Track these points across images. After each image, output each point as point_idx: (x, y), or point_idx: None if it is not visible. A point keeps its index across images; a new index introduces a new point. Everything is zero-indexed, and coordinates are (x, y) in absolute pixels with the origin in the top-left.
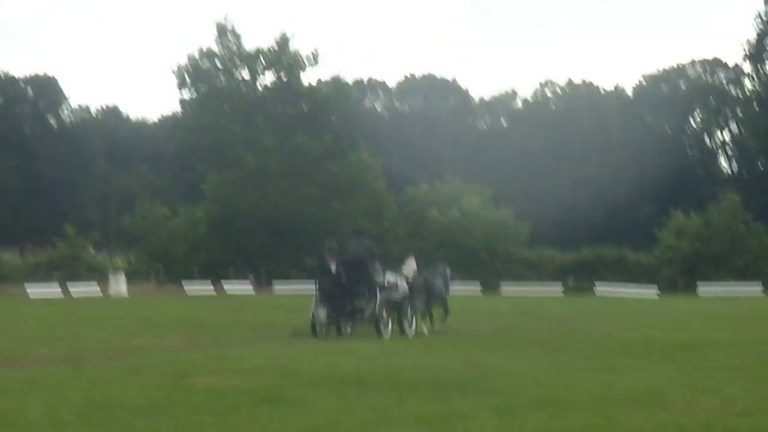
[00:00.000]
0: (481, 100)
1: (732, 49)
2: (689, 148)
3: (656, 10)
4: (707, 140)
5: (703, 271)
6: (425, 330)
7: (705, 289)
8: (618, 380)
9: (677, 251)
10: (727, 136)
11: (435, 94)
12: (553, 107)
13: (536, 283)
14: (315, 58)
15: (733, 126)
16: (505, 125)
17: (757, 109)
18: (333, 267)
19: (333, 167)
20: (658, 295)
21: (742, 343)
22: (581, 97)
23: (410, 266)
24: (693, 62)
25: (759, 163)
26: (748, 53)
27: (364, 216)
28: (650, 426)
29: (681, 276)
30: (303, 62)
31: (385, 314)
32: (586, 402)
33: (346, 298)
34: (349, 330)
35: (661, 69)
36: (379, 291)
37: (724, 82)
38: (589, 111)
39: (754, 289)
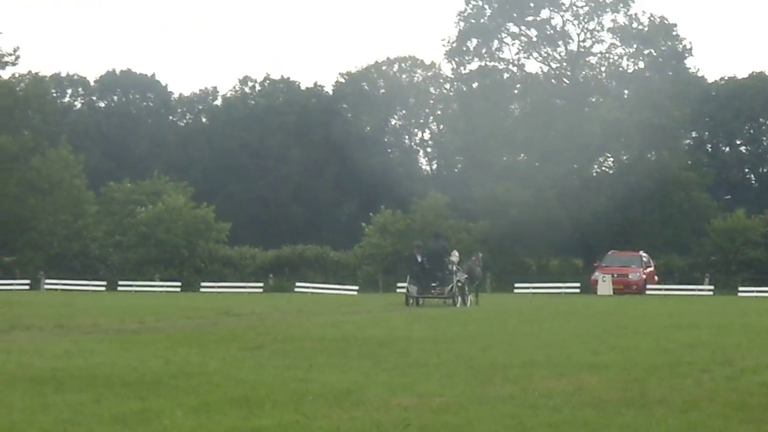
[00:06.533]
0: (181, 96)
1: (431, 48)
2: (390, 147)
3: (355, 7)
4: (407, 139)
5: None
6: (473, 302)
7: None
8: (315, 378)
9: (380, 248)
10: (426, 135)
11: (135, 90)
12: (253, 103)
13: (237, 282)
14: (16, 56)
15: (433, 125)
16: (205, 122)
17: (456, 107)
18: (419, 258)
19: (31, 164)
20: (359, 293)
21: (440, 340)
22: (280, 94)
23: (455, 256)
24: (392, 60)
25: (458, 163)
26: (447, 52)
27: (63, 213)
28: (347, 423)
29: (382, 274)
30: (3, 59)
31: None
32: (282, 400)
33: (429, 280)
34: (421, 302)
35: (360, 67)
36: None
37: (423, 80)
38: (289, 108)
39: None
